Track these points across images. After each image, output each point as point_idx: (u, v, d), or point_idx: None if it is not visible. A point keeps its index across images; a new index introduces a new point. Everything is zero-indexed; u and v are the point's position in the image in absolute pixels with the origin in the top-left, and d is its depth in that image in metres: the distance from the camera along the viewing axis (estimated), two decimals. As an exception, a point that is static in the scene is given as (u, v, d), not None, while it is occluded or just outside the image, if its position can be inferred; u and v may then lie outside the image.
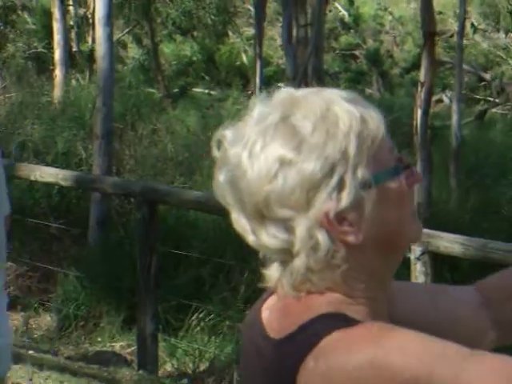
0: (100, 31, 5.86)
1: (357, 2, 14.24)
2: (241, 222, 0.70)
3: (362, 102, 0.70)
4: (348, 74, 13.67)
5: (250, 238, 0.70)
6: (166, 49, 13.04)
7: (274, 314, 0.73)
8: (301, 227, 0.67)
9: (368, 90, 12.89)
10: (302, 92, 0.71)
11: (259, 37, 8.45)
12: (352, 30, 14.29)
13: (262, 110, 0.69)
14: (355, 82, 12.87)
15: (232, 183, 0.69)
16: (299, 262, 0.68)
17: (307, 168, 0.66)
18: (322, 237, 0.67)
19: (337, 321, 0.66)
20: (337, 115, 0.67)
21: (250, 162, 0.67)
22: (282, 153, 0.66)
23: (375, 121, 0.69)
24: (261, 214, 0.68)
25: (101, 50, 5.84)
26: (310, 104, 0.68)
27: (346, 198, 0.66)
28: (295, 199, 0.66)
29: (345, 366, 0.63)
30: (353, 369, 0.63)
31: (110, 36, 5.91)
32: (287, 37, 7.07)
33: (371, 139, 0.67)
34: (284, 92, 0.71)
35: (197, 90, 12.26)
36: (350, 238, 0.67)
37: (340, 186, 0.66)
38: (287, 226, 0.67)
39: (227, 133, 0.69)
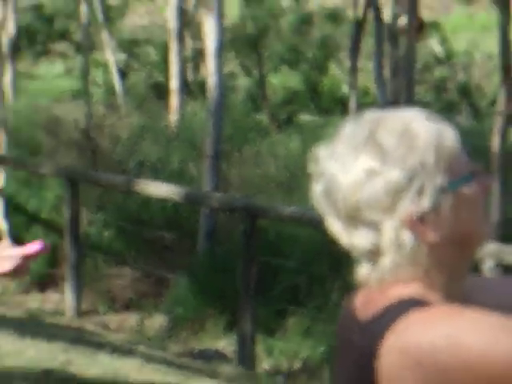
0: (212, 63, 6.23)
1: (449, 39, 14.86)
2: (335, 227, 0.76)
3: (439, 120, 0.76)
4: (439, 104, 13.98)
5: (344, 240, 0.77)
6: (273, 79, 13.61)
7: (361, 306, 0.78)
8: (388, 228, 0.72)
9: (457, 119, 13.03)
10: (386, 112, 0.78)
11: (353, 69, 8.91)
12: (444, 64, 14.77)
13: (352, 128, 0.76)
14: (446, 111, 13.10)
15: (328, 192, 0.75)
16: (387, 259, 0.74)
17: (392, 177, 0.72)
18: (406, 236, 0.72)
19: (416, 304, 0.71)
20: (416, 131, 0.74)
21: (344, 173, 0.73)
22: (370, 165, 0.72)
23: (450, 136, 0.75)
24: (353, 218, 0.74)
25: (212, 79, 6.20)
26: (392, 122, 0.75)
27: (426, 202, 0.72)
28: (382, 204, 0.72)
29: (420, 342, 0.68)
30: (427, 344, 0.67)
31: (220, 67, 6.28)
32: (379, 70, 7.48)
33: (447, 152, 0.74)
34: (370, 113, 0.78)
35: (300, 117, 12.69)
36: (430, 237, 0.73)
37: (420, 192, 0.72)
38: (376, 227, 0.73)
39: (322, 150, 0.76)
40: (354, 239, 0.75)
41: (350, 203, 0.73)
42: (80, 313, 5.92)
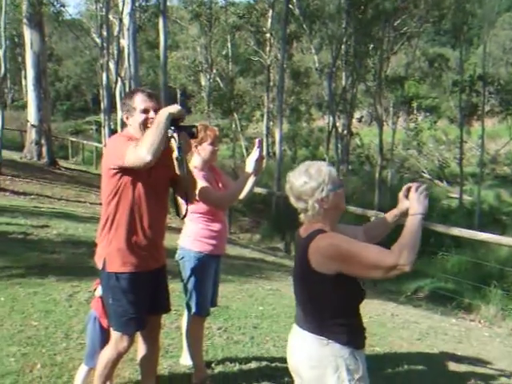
0: None
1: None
2: (292, 201, 2.38)
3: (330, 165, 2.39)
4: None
5: (295, 206, 2.38)
6: None
7: (302, 231, 2.40)
8: (310, 202, 2.31)
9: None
10: (312, 162, 2.42)
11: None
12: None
13: (300, 167, 2.41)
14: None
15: (290, 188, 2.37)
16: (309, 213, 2.34)
17: (312, 184, 2.31)
18: (316, 205, 2.31)
19: (320, 231, 2.30)
20: (323, 168, 2.34)
21: (296, 181, 2.34)
22: (304, 180, 2.32)
23: (333, 169, 2.35)
24: (298, 198, 2.35)
25: None
26: (315, 165, 2.36)
27: (324, 194, 2.29)
28: (308, 194, 2.31)
29: (322, 245, 2.25)
30: (325, 245, 2.24)
31: None
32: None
33: (332, 176, 2.33)
34: (306, 162, 2.46)
35: None
36: (325, 206, 2.31)
37: (322, 190, 2.30)
38: (306, 202, 2.32)
39: (290, 174, 2.43)
40: (298, 205, 2.37)
41: (297, 193, 2.35)
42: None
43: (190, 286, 3.59)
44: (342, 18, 20.83)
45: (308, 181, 2.30)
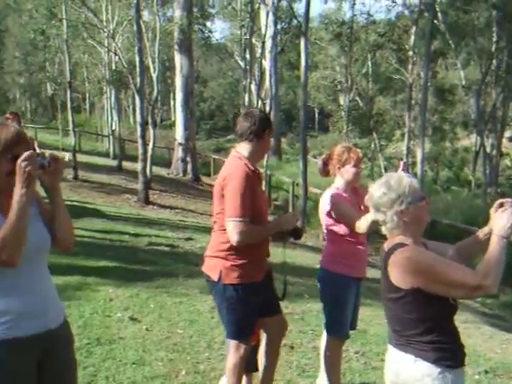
0: None
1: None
2: (372, 212, 2.33)
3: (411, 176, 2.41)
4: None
5: (374, 218, 2.34)
6: None
7: (385, 244, 2.30)
8: (389, 214, 2.23)
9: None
10: (392, 173, 2.43)
11: None
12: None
13: (382, 179, 2.34)
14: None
15: (369, 199, 2.34)
16: (389, 226, 2.26)
17: (391, 196, 2.21)
18: (395, 218, 2.22)
19: (401, 245, 2.20)
20: (403, 179, 2.25)
21: (376, 193, 2.28)
22: (383, 191, 2.24)
23: (414, 181, 2.27)
24: (377, 209, 2.27)
25: None
26: (395, 176, 2.30)
27: (403, 206, 2.19)
28: (387, 205, 2.22)
29: (399, 258, 2.17)
30: (402, 259, 2.17)
31: None
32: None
33: (413, 188, 2.23)
34: (388, 174, 2.45)
35: None
36: (405, 219, 2.21)
37: (401, 202, 2.20)
38: (385, 213, 2.24)
39: (372, 186, 2.41)
40: (377, 217, 2.31)
41: (375, 204, 2.28)
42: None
43: (331, 308, 3.58)
44: (492, 31, 19.72)
45: (387, 192, 2.23)
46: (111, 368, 3.87)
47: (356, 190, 3.72)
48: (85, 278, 5.73)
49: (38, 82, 44.81)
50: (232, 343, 3.18)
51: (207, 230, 10.43)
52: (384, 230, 2.34)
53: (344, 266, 3.54)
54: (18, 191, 1.90)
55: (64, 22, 18.32)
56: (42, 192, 2.13)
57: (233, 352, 3.18)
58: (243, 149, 3.16)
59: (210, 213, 14.63)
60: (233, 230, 2.96)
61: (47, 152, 2.04)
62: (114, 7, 23.00)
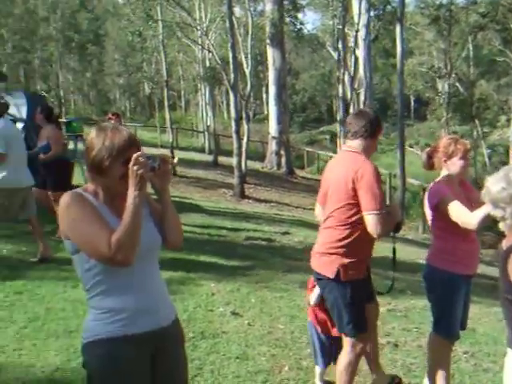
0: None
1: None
2: (489, 208, 2.26)
3: None
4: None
5: (492, 213, 2.24)
6: None
7: (504, 242, 2.17)
8: (508, 210, 2.14)
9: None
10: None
11: None
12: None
13: (500, 171, 2.23)
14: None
15: (485, 194, 2.26)
16: (508, 222, 2.14)
17: (511, 191, 2.13)
18: None
19: None
20: None
21: (493, 187, 2.19)
22: (503, 186, 2.14)
23: None
24: (495, 205, 2.18)
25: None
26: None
27: None
28: (506, 201, 2.12)
29: None
30: None
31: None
32: None
33: None
34: (506, 167, 2.29)
35: None
36: None
37: None
38: (504, 209, 2.14)
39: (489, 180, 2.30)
40: (495, 213, 2.20)
41: (494, 199, 2.17)
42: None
43: (440, 308, 3.42)
44: None
45: (506, 187, 2.14)
46: (216, 362, 3.95)
47: (463, 182, 3.54)
48: (188, 273, 5.90)
49: (136, 82, 46.87)
50: (349, 341, 3.23)
51: (303, 224, 10.45)
52: (502, 226, 2.23)
53: (454, 264, 3.36)
54: (131, 194, 1.96)
55: (160, 22, 18.99)
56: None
57: (349, 350, 3.23)
58: (358, 145, 3.21)
59: (304, 206, 14.65)
60: (375, 223, 3.02)
61: (156, 154, 2.08)
62: (207, 5, 23.53)
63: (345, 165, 3.17)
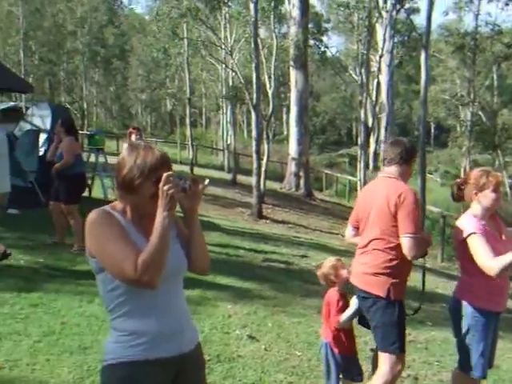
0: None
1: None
2: None
3: None
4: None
5: None
6: None
7: None
8: None
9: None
10: None
11: None
12: None
13: None
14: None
15: None
16: None
17: None
18: None
19: None
20: None
21: None
22: None
23: None
24: None
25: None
26: None
27: None
28: None
29: None
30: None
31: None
32: None
33: None
34: None
35: None
36: None
37: None
38: None
39: None
40: None
41: None
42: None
43: (468, 344, 3.30)
44: None
45: None
46: (231, 387, 3.86)
47: (494, 216, 3.44)
48: (204, 293, 5.82)
49: (158, 98, 47.43)
50: (389, 360, 3.30)
51: (321, 248, 10.33)
52: None
53: (482, 300, 3.25)
54: (160, 214, 1.91)
55: (185, 40, 19.18)
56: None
57: (388, 369, 3.29)
58: (394, 171, 3.39)
59: (322, 229, 14.51)
60: (411, 246, 3.17)
61: (188, 174, 2.03)
62: (232, 25, 23.75)
63: (385, 190, 3.32)
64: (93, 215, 1.97)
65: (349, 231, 3.69)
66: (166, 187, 1.89)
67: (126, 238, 1.94)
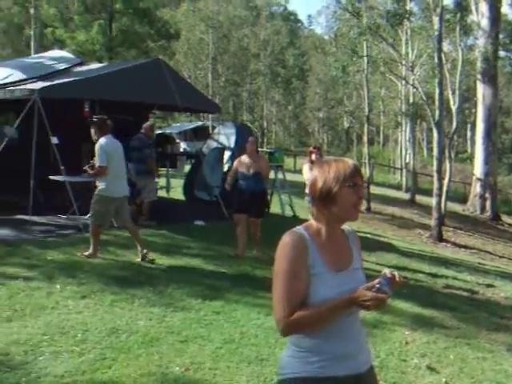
0: None
1: None
2: None
3: None
4: None
5: None
6: None
7: None
8: None
9: None
10: None
11: None
12: None
13: None
14: None
15: None
16: None
17: None
18: None
19: None
20: None
21: None
22: None
23: None
24: None
25: None
26: None
27: None
28: None
29: None
30: None
31: None
32: None
33: None
34: None
35: None
36: None
37: None
38: None
39: None
40: None
41: None
42: None
43: None
44: None
45: None
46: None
47: None
48: (381, 316, 5.62)
49: (335, 116, 47.80)
50: None
51: (511, 277, 9.41)
52: None
53: None
54: (351, 299, 1.90)
55: (365, 58, 19.09)
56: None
57: None
58: None
59: (510, 256, 13.24)
60: None
61: (386, 270, 1.93)
62: (414, 40, 23.06)
63: None
64: (287, 238, 1.99)
65: None
66: (369, 302, 1.87)
67: (301, 280, 1.94)
